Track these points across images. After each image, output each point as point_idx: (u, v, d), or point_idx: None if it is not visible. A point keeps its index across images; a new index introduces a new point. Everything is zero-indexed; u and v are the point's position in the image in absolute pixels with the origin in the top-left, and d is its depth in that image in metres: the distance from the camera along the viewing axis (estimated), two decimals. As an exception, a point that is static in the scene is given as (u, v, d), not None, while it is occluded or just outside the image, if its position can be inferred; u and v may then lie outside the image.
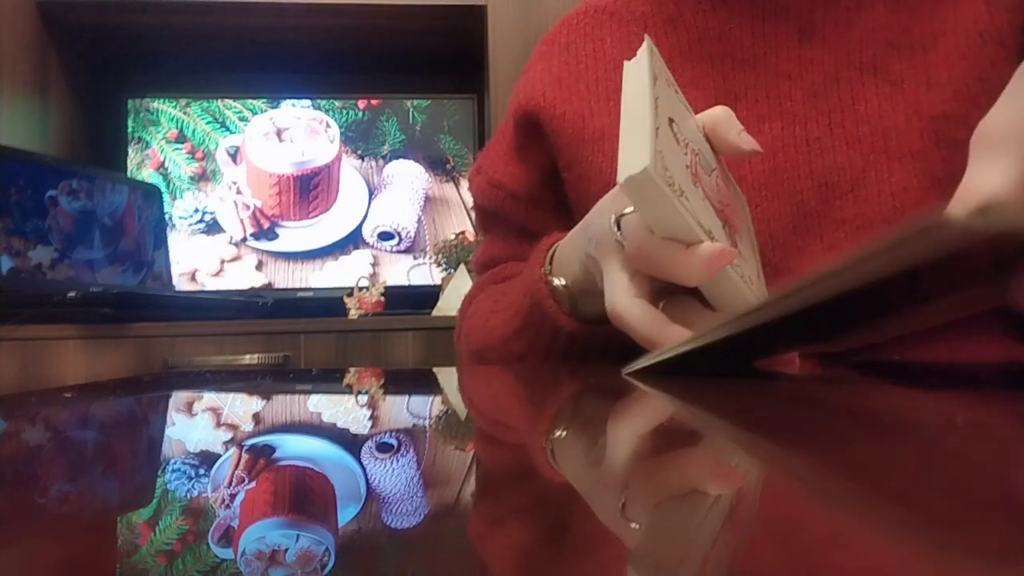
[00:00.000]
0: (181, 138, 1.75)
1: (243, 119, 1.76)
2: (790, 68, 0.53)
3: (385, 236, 1.78)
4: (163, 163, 1.75)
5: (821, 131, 0.51)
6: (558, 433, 0.24)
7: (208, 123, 1.76)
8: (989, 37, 0.50)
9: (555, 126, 0.61)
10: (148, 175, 1.74)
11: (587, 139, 0.59)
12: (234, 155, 1.76)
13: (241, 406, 0.33)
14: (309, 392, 0.40)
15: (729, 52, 0.55)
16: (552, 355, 0.50)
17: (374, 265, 1.77)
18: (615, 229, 0.41)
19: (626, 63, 0.42)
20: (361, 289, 1.61)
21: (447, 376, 0.52)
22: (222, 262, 1.73)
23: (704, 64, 0.56)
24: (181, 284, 1.71)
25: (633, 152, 0.36)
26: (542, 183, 0.64)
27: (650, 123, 0.36)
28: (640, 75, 0.40)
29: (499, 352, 0.54)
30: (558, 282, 0.48)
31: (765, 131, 0.53)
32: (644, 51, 0.41)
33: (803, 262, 0.51)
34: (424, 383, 0.46)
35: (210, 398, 0.36)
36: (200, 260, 1.73)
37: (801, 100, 0.53)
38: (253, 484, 0.17)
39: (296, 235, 1.76)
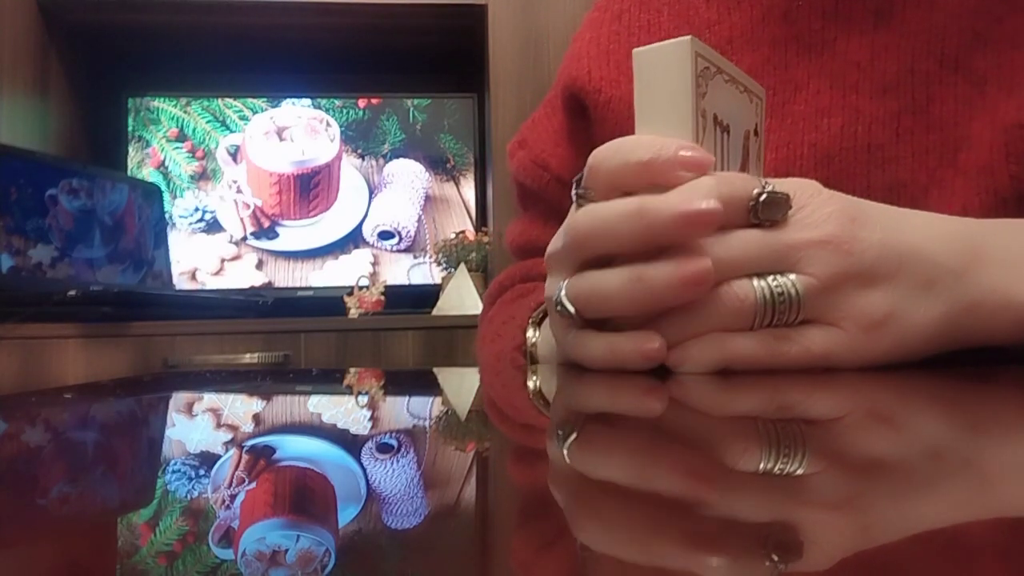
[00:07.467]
0: (181, 137, 1.75)
1: (243, 118, 1.77)
2: (860, 55, 0.47)
3: (385, 235, 1.78)
4: (163, 162, 1.75)
5: (887, 137, 0.45)
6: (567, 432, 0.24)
7: (208, 122, 1.76)
8: None
9: (600, 114, 0.56)
10: (148, 174, 1.74)
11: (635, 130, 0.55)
12: (234, 154, 1.76)
13: (241, 407, 0.33)
14: (309, 393, 0.40)
15: (795, 35, 0.49)
16: None
17: (374, 264, 1.77)
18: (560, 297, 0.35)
19: (637, 51, 0.35)
20: (361, 288, 1.61)
21: (447, 376, 0.52)
22: (222, 261, 1.74)
23: (765, 48, 0.50)
24: (181, 283, 1.71)
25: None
26: None
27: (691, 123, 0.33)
28: (673, 73, 0.34)
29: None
30: (531, 342, 0.48)
31: (823, 128, 0.47)
32: (684, 52, 0.34)
33: None
34: (424, 384, 0.46)
35: (210, 398, 0.36)
36: (200, 259, 1.73)
37: (868, 94, 0.46)
38: (253, 485, 0.17)
39: (296, 234, 1.76)
